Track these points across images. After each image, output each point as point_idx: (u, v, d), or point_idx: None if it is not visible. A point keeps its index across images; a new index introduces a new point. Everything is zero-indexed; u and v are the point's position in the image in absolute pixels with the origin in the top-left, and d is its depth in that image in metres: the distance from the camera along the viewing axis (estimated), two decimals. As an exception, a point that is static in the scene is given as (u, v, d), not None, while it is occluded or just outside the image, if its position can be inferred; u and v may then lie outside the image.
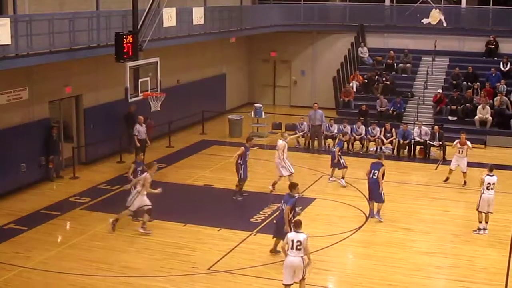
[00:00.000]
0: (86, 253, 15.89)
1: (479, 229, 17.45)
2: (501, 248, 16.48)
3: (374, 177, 18.07)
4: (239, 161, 19.73)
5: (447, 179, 21.98)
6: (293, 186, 15.26)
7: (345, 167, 21.60)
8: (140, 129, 23.23)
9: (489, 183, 17.15)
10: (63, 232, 17.73)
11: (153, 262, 15.39)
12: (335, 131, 26.36)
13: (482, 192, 17.24)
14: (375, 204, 18.33)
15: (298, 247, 12.65)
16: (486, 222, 17.43)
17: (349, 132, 25.67)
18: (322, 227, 17.78)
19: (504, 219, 18.54)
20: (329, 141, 26.71)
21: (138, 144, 23.06)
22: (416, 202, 20.20)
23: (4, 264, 15.10)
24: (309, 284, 14.16)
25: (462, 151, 21.70)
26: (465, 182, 21.61)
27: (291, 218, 14.56)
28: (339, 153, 21.52)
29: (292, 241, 12.68)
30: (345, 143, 25.63)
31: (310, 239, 16.60)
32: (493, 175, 17.33)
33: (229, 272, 14.78)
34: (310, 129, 26.50)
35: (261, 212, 18.78)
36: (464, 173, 21.66)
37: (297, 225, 12.99)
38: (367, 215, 18.58)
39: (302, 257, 12.76)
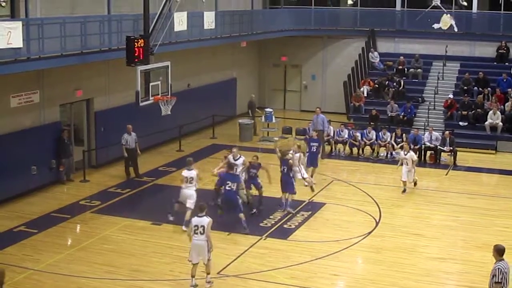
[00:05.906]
0: (96, 256, 15.92)
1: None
2: (512, 254, 16.37)
3: (285, 171, 19.13)
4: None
5: (404, 190, 21.36)
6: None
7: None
8: (128, 138, 22.39)
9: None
10: (73, 235, 17.80)
11: (162, 266, 15.39)
12: (346, 136, 26.30)
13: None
14: (288, 195, 19.19)
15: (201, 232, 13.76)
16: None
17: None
18: (332, 232, 17.78)
19: (515, 225, 18.50)
20: (339, 146, 26.63)
21: (125, 154, 22.42)
22: (426, 207, 20.12)
23: (14, 266, 15.12)
24: (318, 289, 14.21)
25: (407, 162, 21.15)
26: (413, 183, 21.58)
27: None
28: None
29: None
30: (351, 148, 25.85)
31: (321, 244, 16.73)
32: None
33: (238, 276, 14.77)
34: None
35: (271, 217, 18.77)
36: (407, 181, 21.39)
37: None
38: (377, 220, 18.59)
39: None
